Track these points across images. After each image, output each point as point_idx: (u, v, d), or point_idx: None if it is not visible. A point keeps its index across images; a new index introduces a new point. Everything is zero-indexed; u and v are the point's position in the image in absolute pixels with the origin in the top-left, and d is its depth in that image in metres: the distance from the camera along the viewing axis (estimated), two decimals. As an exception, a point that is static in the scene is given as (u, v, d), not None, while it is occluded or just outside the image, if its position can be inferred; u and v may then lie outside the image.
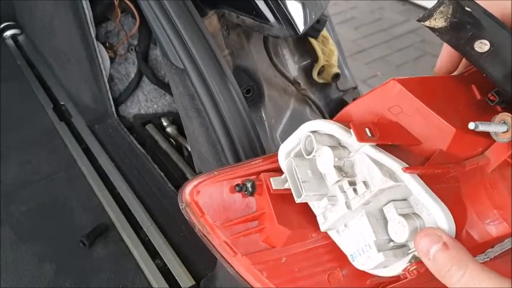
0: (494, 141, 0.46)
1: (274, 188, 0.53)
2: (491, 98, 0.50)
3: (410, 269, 0.45)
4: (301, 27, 0.73)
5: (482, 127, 0.44)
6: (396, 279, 0.47)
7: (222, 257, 0.53)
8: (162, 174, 1.42)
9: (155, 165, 1.45)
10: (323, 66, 0.97)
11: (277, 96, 0.92)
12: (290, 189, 0.51)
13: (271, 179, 0.53)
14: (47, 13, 1.61)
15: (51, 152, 1.53)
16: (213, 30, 0.82)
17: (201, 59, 0.72)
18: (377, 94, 0.49)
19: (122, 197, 1.36)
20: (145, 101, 1.66)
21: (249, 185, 0.55)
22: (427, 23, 0.47)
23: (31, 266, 1.20)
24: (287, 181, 0.52)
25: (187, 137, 0.88)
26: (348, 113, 0.51)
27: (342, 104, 1.00)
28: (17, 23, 2.04)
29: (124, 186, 1.39)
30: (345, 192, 0.47)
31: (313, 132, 0.50)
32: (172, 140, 1.55)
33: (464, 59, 0.55)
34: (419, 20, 0.48)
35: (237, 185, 0.55)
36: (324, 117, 0.96)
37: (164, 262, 1.19)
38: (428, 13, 0.47)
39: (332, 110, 0.99)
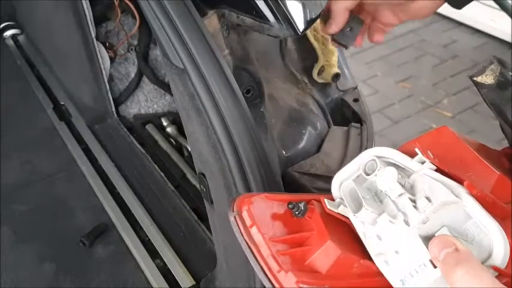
0: None
1: (328, 207, 0.54)
2: None
3: None
4: (301, 27, 0.73)
5: None
6: None
7: (265, 272, 0.52)
8: (162, 174, 1.42)
9: (155, 165, 1.45)
10: (323, 66, 0.97)
11: (277, 96, 0.92)
12: (342, 214, 0.54)
13: (325, 200, 0.55)
14: (47, 13, 1.61)
15: (51, 152, 1.53)
16: (213, 30, 0.82)
17: (201, 59, 0.72)
18: (431, 136, 0.56)
19: (122, 197, 1.36)
20: (145, 101, 1.66)
21: (301, 204, 0.56)
22: (479, 79, 0.54)
23: (31, 266, 1.20)
24: (339, 206, 0.54)
25: (187, 137, 0.88)
26: (404, 148, 0.55)
27: (342, 103, 1.00)
28: (17, 23, 2.04)
29: (124, 186, 1.39)
30: (403, 212, 0.49)
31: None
32: (172, 140, 1.55)
33: None
34: (471, 76, 0.55)
35: (290, 202, 0.56)
36: (326, 118, 0.96)
37: (164, 262, 1.19)
38: (481, 69, 0.54)
39: (332, 109, 0.99)
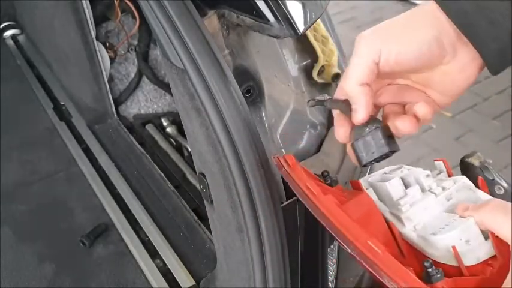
0: None
1: (362, 184, 0.64)
2: None
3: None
4: (301, 27, 0.73)
5: None
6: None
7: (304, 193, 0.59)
8: (162, 174, 1.42)
9: (155, 165, 1.45)
10: (323, 66, 0.97)
11: (277, 96, 0.92)
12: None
13: (361, 180, 0.64)
14: (47, 13, 1.61)
15: (51, 152, 1.53)
16: (213, 30, 0.82)
17: (201, 59, 0.72)
18: None
19: (122, 197, 1.36)
20: (145, 101, 1.66)
21: (334, 177, 0.66)
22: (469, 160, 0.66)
23: (31, 266, 1.20)
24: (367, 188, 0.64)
25: (187, 137, 0.88)
26: None
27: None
28: (17, 23, 2.04)
29: (124, 186, 1.39)
30: (430, 191, 0.58)
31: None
32: (172, 140, 1.55)
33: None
34: (463, 158, 0.66)
35: (326, 171, 0.66)
36: (326, 118, 0.96)
37: (164, 262, 1.19)
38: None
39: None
